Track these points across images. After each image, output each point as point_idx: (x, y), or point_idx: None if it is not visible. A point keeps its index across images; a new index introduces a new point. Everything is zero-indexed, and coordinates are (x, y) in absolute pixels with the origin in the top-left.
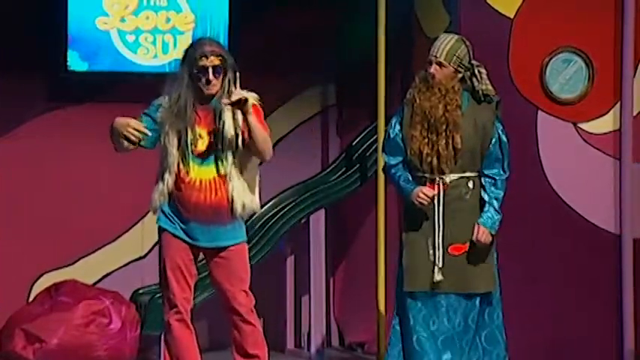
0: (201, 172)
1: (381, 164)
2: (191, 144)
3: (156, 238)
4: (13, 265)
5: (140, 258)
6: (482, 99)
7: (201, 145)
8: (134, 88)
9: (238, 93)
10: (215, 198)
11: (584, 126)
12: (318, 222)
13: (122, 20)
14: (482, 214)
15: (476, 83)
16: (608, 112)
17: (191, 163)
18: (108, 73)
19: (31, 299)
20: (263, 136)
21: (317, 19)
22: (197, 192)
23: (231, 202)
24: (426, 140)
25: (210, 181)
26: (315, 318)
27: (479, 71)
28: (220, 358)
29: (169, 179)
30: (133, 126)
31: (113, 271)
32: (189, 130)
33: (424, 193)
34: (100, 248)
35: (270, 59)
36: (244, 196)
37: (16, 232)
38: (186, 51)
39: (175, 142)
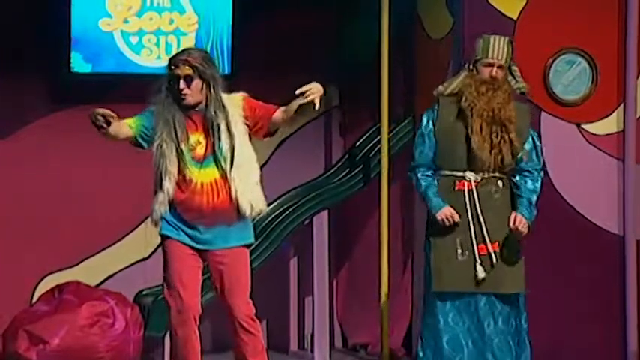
0: (201, 176)
1: (384, 165)
2: (190, 150)
3: (158, 239)
4: (17, 267)
5: (144, 259)
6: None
7: (200, 150)
8: (137, 89)
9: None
10: (218, 200)
11: (587, 127)
12: (321, 223)
13: (125, 21)
14: (519, 206)
15: (513, 82)
16: (611, 113)
17: (192, 168)
18: (111, 74)
19: (34, 300)
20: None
21: (320, 20)
22: (199, 196)
23: (237, 203)
24: (495, 140)
25: (211, 184)
26: (319, 319)
27: (513, 69)
28: None
29: (169, 187)
30: (99, 112)
31: (116, 273)
32: (182, 133)
33: (452, 216)
34: (103, 249)
35: (274, 60)
36: (250, 195)
37: (20, 233)
38: (168, 61)
39: (173, 147)
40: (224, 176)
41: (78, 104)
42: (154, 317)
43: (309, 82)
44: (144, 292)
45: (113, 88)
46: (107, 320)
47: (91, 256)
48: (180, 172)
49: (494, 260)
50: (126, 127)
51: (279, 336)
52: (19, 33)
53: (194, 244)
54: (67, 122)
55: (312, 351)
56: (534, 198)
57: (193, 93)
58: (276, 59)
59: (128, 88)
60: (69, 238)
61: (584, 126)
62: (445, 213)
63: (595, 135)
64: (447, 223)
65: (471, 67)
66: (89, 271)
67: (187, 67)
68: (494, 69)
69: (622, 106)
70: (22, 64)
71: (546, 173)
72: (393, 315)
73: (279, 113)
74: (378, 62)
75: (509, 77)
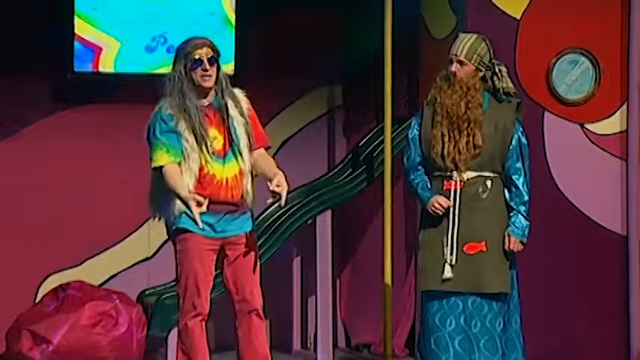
0: (225, 172)
1: (388, 165)
2: (210, 144)
3: (162, 239)
4: (20, 266)
5: (147, 259)
6: (503, 97)
7: (218, 145)
8: (140, 89)
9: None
10: (238, 193)
11: (590, 127)
12: (324, 223)
13: None
14: (510, 223)
15: (497, 82)
16: (614, 113)
17: (214, 164)
18: (114, 74)
19: (37, 300)
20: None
21: (323, 20)
22: (224, 191)
23: (246, 194)
24: (447, 138)
25: (235, 177)
26: (322, 319)
27: (499, 69)
28: None
29: (190, 183)
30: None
31: (120, 272)
32: (203, 123)
33: (439, 204)
34: (106, 249)
35: (277, 60)
36: (252, 188)
37: (23, 233)
38: (178, 50)
39: (194, 142)
40: (242, 170)
41: (80, 104)
42: (157, 317)
43: (313, 83)
44: (147, 292)
45: (116, 89)
46: (110, 320)
47: (94, 256)
48: (201, 168)
49: (454, 262)
50: (176, 169)
51: (283, 336)
52: (22, 32)
53: (214, 234)
54: (70, 122)
55: (315, 351)
56: (524, 208)
57: (213, 75)
58: (280, 59)
59: (130, 89)
60: (72, 238)
61: (587, 126)
62: (433, 204)
63: (598, 135)
64: (440, 212)
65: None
66: (92, 271)
67: (210, 49)
68: (454, 64)
69: (625, 105)
70: (25, 64)
71: (550, 173)
72: (397, 315)
73: (258, 155)
74: (381, 62)
75: (494, 77)
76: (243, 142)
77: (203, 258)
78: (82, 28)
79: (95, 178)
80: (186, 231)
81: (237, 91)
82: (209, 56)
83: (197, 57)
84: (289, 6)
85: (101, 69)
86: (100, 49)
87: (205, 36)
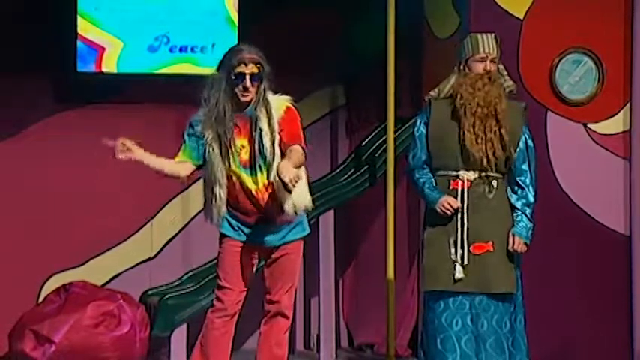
0: (254, 182)
1: (390, 165)
2: (236, 154)
3: (164, 239)
4: (23, 266)
5: (150, 259)
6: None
7: (245, 155)
8: (143, 89)
9: (287, 174)
10: (268, 204)
11: (593, 127)
12: (327, 223)
13: None
14: (515, 223)
15: (502, 80)
16: (617, 112)
17: (242, 175)
18: (116, 74)
19: (40, 300)
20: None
21: (326, 20)
22: (256, 200)
23: (280, 206)
24: (483, 136)
25: (263, 189)
26: (325, 319)
27: (501, 69)
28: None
29: (221, 192)
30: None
31: (123, 272)
32: (229, 134)
33: (449, 204)
34: (109, 249)
35: (279, 60)
36: (293, 195)
37: (26, 232)
38: (225, 56)
39: (218, 152)
40: (271, 181)
41: (83, 104)
42: (160, 317)
43: (315, 83)
44: (150, 292)
45: (118, 88)
46: (113, 320)
47: (97, 256)
48: (229, 178)
49: (466, 262)
50: (181, 163)
51: None
52: (24, 32)
53: (255, 241)
54: (73, 122)
55: (318, 351)
56: (529, 210)
57: (253, 91)
58: (282, 59)
59: (133, 89)
60: (75, 238)
61: (590, 125)
62: (442, 204)
63: (601, 134)
64: (449, 213)
65: (461, 67)
66: (95, 271)
67: (255, 65)
68: (488, 62)
69: (628, 105)
70: (27, 64)
71: (553, 173)
72: (399, 315)
73: (287, 150)
74: (384, 62)
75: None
76: (270, 156)
77: (235, 261)
78: (84, 27)
79: (98, 177)
80: (224, 235)
81: (277, 100)
82: (252, 73)
83: (240, 72)
84: (292, 6)
85: (104, 69)
86: (103, 48)
87: (249, 45)
